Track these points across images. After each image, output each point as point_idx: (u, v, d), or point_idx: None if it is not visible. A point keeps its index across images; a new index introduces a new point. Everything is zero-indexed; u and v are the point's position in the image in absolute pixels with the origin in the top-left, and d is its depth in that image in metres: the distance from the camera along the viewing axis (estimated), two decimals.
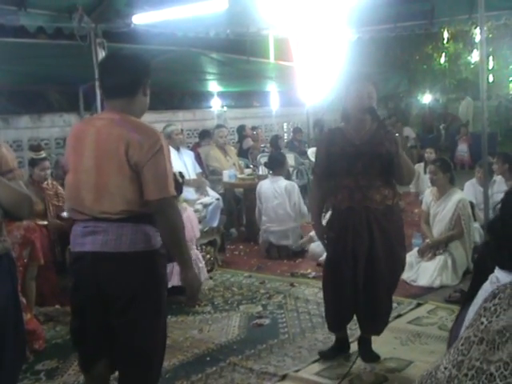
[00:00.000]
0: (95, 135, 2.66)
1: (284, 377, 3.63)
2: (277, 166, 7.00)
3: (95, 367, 2.76)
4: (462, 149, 13.31)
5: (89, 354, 2.77)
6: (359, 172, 3.59)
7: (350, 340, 3.96)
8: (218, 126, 8.81)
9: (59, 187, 5.57)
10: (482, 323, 1.14)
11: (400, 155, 3.52)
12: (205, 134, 9.45)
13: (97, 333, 2.70)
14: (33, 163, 5.57)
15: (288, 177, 7.47)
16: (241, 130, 11.18)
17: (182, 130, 8.01)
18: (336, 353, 3.88)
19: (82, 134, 2.75)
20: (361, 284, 3.63)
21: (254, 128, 11.58)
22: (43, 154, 5.69)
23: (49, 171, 5.70)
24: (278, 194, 6.74)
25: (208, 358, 3.98)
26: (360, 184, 3.60)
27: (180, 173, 5.28)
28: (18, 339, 2.59)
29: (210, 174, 8.26)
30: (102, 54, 6.29)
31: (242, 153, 10.24)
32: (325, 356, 3.86)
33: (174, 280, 4.59)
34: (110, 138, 2.62)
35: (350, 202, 3.64)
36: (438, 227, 5.63)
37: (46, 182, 5.53)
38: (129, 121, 2.65)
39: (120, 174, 2.59)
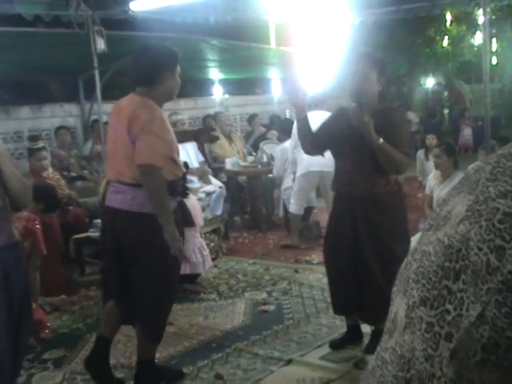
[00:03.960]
0: (117, 112, 3.24)
1: (289, 361, 3.64)
2: (289, 130, 7.02)
3: (111, 302, 3.39)
4: (467, 132, 13.25)
5: (108, 291, 3.43)
6: (347, 155, 3.52)
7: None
8: (219, 113, 8.78)
9: (59, 177, 5.57)
10: (436, 212, 1.17)
11: (373, 142, 3.36)
12: (207, 119, 9.41)
13: (116, 275, 3.27)
14: (30, 153, 5.57)
15: None
16: (250, 119, 11.16)
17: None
18: (346, 343, 3.80)
19: (113, 111, 3.35)
20: (348, 275, 3.54)
21: (253, 116, 11.54)
22: (40, 144, 5.70)
23: (47, 161, 5.70)
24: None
25: (214, 345, 3.99)
26: (347, 168, 3.53)
27: (185, 163, 5.27)
28: (30, 325, 2.95)
29: (212, 162, 8.26)
30: (100, 42, 6.24)
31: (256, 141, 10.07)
32: (334, 346, 3.80)
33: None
34: (123, 114, 3.16)
35: (338, 185, 3.61)
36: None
37: (46, 172, 5.52)
38: (140, 101, 3.15)
39: (126, 145, 3.12)
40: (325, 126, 3.71)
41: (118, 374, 3.61)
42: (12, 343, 2.78)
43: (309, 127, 3.68)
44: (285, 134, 7.31)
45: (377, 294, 3.44)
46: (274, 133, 9.02)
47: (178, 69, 3.30)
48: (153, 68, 3.18)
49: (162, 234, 3.12)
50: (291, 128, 7.08)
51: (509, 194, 0.99)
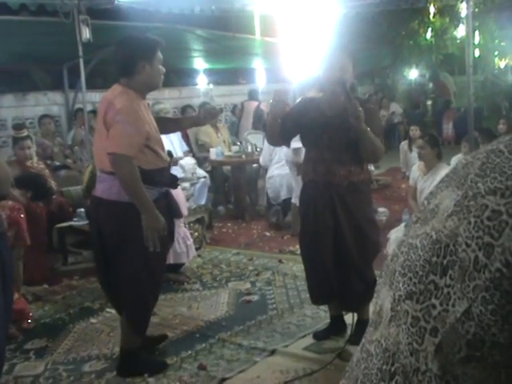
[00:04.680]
0: (101, 102, 3.39)
1: (273, 352, 3.66)
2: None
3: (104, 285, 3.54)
4: (450, 126, 13.35)
5: (99, 274, 3.56)
6: (324, 144, 3.53)
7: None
8: (205, 103, 8.77)
9: (44, 166, 5.54)
10: (423, 205, 1.19)
11: (363, 131, 3.42)
12: (187, 109, 9.38)
13: (102, 260, 3.38)
14: (14, 142, 5.53)
15: None
16: (235, 109, 11.16)
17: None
18: (330, 333, 3.83)
19: (100, 102, 3.47)
20: (329, 263, 3.58)
21: (235, 106, 11.56)
22: (25, 133, 5.66)
23: (31, 150, 5.66)
24: None
25: (197, 335, 4.00)
26: (324, 157, 3.54)
27: (169, 151, 5.26)
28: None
29: (198, 151, 8.25)
30: (85, 32, 6.20)
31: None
32: (318, 337, 3.83)
33: None
34: (102, 104, 3.30)
35: (314, 175, 3.59)
36: None
37: (30, 161, 5.49)
38: (119, 91, 3.24)
39: (102, 134, 3.22)
40: (292, 117, 3.67)
41: (101, 365, 3.61)
42: None
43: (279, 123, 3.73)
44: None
45: (359, 278, 3.60)
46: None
47: (159, 57, 3.32)
48: (128, 59, 3.26)
49: (140, 223, 3.17)
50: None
51: (498, 191, 1.00)
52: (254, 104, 10.11)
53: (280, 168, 6.97)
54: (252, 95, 10.71)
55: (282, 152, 6.52)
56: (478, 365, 0.99)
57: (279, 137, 3.77)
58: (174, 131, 4.90)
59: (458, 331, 0.98)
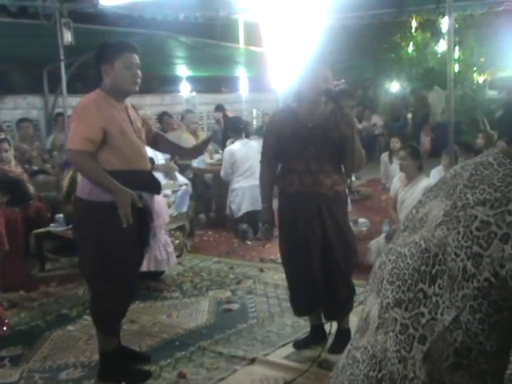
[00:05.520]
0: None
1: (253, 360, 3.64)
2: (239, 129, 7.23)
3: None
4: (427, 138, 13.50)
5: None
6: (311, 155, 3.53)
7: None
8: (189, 111, 8.76)
9: (22, 170, 5.47)
10: (411, 213, 1.20)
11: (353, 139, 3.45)
12: (164, 117, 9.35)
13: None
14: None
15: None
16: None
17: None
18: (310, 343, 3.81)
19: None
20: (318, 271, 3.58)
21: (219, 108, 11.53)
22: (2, 136, 5.59)
23: (8, 153, 5.59)
24: (252, 154, 6.89)
25: (177, 343, 3.96)
26: (311, 168, 3.54)
27: (151, 158, 5.23)
28: None
29: (179, 159, 8.21)
30: (67, 35, 6.15)
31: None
32: (298, 346, 3.81)
33: (143, 265, 4.55)
34: None
35: (300, 186, 3.56)
36: (405, 213, 5.66)
37: (8, 165, 5.42)
38: (91, 93, 3.34)
39: None
40: (274, 135, 3.66)
41: (78, 373, 3.56)
42: None
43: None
44: (235, 132, 7.34)
45: (345, 286, 3.67)
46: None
47: (126, 60, 3.29)
48: (95, 63, 3.35)
49: (100, 221, 3.21)
50: (241, 127, 7.27)
51: (487, 202, 1.01)
52: (220, 115, 10.23)
53: (242, 181, 6.99)
54: (217, 107, 10.71)
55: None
56: (465, 373, 0.99)
57: (274, 163, 3.80)
58: (168, 153, 4.99)
59: (446, 339, 0.98)
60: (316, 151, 3.52)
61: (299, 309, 3.85)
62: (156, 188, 3.56)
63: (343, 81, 7.36)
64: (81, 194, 3.31)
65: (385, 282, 1.13)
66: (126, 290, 3.44)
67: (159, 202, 5.19)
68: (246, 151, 7.04)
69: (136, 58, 3.36)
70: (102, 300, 3.37)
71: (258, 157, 3.90)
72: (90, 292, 3.53)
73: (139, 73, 3.37)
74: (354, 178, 6.96)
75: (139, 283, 3.95)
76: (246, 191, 6.91)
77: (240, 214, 6.99)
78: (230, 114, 9.90)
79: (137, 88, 3.40)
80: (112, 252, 3.26)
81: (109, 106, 3.29)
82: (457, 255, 0.99)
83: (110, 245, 3.26)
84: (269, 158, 3.76)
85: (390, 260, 1.15)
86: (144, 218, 3.40)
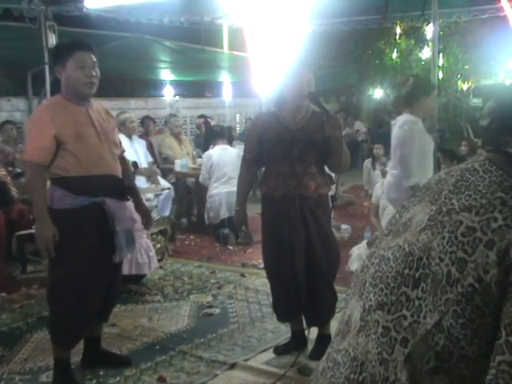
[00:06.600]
0: None
1: (233, 365, 3.63)
2: (220, 135, 7.36)
3: None
4: None
5: None
6: (295, 158, 3.54)
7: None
8: (172, 116, 8.77)
9: (5, 173, 5.43)
10: (395, 218, 1.21)
11: (340, 141, 3.47)
12: (145, 120, 9.34)
13: None
14: None
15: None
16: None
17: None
18: (291, 348, 3.80)
19: None
20: (301, 276, 3.58)
21: (201, 116, 11.55)
22: None
23: None
24: (230, 160, 6.99)
25: (157, 347, 3.94)
26: (295, 171, 3.55)
27: (134, 162, 5.21)
28: None
29: (162, 162, 8.20)
30: (52, 38, 6.12)
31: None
32: (279, 352, 3.81)
33: (125, 269, 4.53)
34: None
35: (285, 189, 3.56)
36: (387, 220, 5.69)
37: None
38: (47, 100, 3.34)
39: None
40: (257, 139, 3.68)
41: (46, 378, 3.52)
42: None
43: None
44: (214, 138, 7.47)
45: (328, 290, 3.66)
46: None
47: (77, 60, 3.15)
48: (53, 67, 3.38)
49: (61, 230, 3.16)
50: (222, 132, 7.41)
51: (473, 208, 1.02)
52: (201, 120, 10.28)
53: (219, 187, 7.00)
54: (200, 116, 10.83)
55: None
56: (445, 376, 1.00)
57: (255, 167, 3.85)
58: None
59: (427, 343, 0.99)
60: (300, 154, 3.54)
61: (282, 314, 3.84)
62: (120, 194, 3.37)
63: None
64: (58, 205, 3.21)
65: (367, 285, 1.13)
66: (85, 305, 3.27)
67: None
68: (224, 156, 7.09)
69: (91, 57, 3.19)
70: (59, 312, 3.29)
71: (237, 163, 3.90)
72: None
73: (95, 72, 3.20)
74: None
75: (120, 287, 3.90)
76: (222, 197, 6.93)
77: (218, 220, 6.99)
78: (212, 122, 9.96)
79: (93, 89, 3.22)
80: (68, 263, 3.19)
81: (63, 111, 3.18)
82: (441, 260, 1.00)
83: (67, 255, 3.17)
84: (249, 161, 3.78)
85: (372, 263, 1.16)
86: (107, 225, 3.26)
